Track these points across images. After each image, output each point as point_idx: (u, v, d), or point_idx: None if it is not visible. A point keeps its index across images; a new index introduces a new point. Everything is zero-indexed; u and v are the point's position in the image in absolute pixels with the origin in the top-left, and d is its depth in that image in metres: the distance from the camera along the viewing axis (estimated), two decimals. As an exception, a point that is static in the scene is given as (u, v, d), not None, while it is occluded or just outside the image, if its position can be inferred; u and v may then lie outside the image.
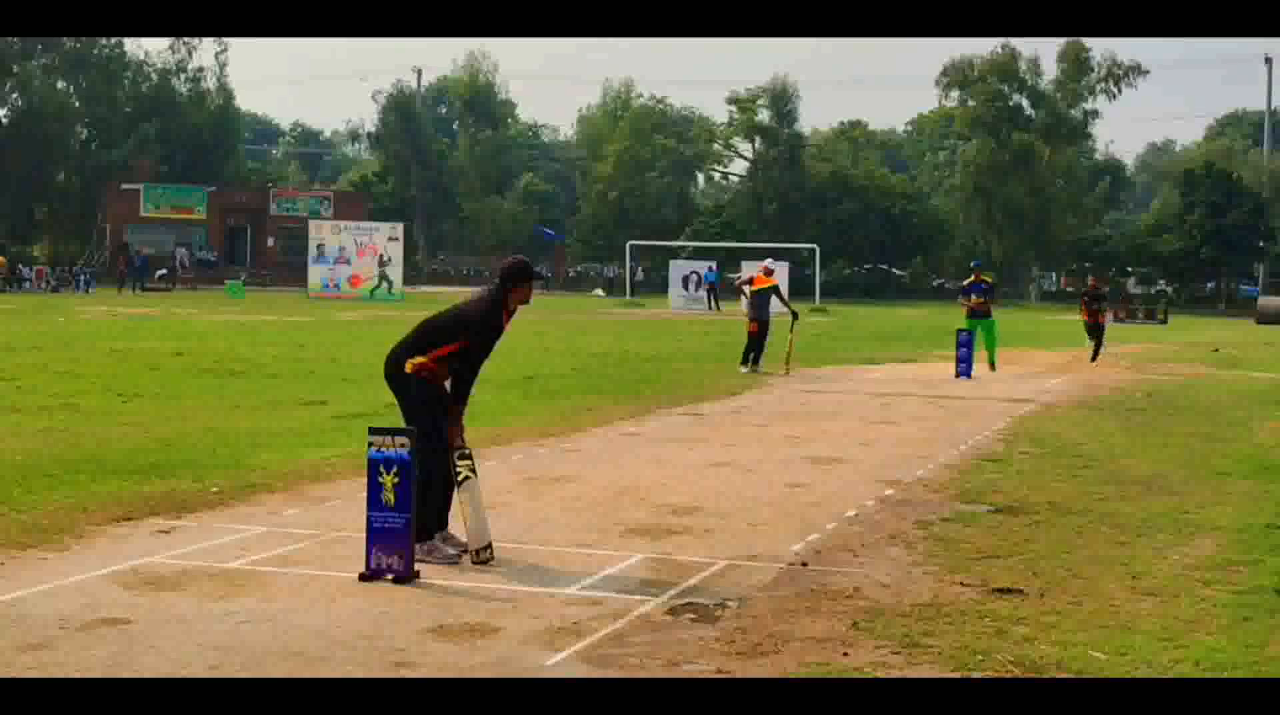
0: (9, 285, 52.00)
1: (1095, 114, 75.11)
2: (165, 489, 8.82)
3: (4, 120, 70.30)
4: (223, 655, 5.31)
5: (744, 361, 19.84)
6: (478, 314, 7.24)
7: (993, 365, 20.79)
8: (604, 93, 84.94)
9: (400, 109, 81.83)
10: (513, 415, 13.61)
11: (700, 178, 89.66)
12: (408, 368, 7.11)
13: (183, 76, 75.96)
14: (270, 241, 67.92)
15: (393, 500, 6.47)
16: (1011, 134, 72.94)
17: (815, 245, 59.46)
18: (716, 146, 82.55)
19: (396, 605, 6.13)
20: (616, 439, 12.16)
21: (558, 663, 5.33)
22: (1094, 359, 23.51)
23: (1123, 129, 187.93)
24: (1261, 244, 70.03)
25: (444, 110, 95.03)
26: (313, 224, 54.94)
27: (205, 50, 79.87)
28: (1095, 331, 24.28)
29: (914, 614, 6.08)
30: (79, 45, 69.82)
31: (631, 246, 60.55)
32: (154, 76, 75.32)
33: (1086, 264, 76.28)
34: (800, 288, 54.56)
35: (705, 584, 6.65)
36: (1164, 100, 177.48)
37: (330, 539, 7.49)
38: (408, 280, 55.62)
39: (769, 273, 21.25)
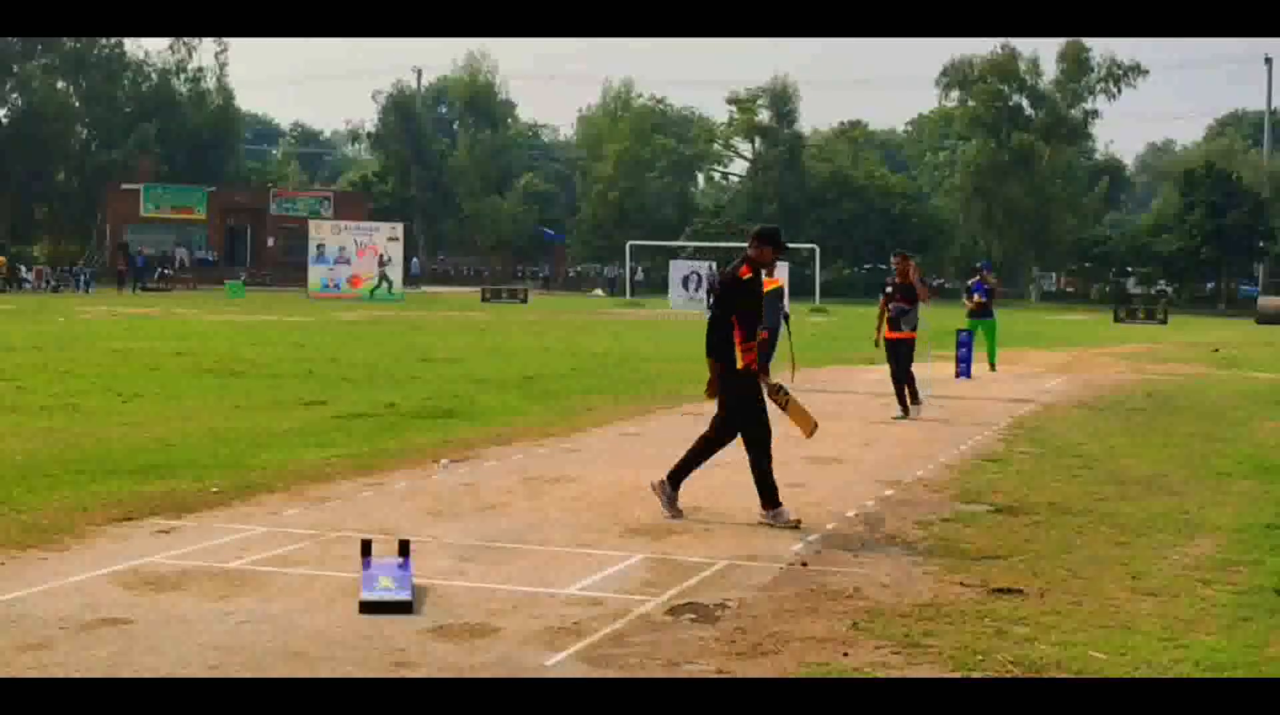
0: (9, 285, 51.98)
1: (1095, 114, 75.15)
2: (165, 489, 8.82)
3: (4, 120, 70.30)
4: (223, 655, 5.31)
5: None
6: (729, 277, 8.46)
7: (993, 366, 20.79)
8: (604, 93, 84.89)
9: (400, 109, 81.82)
10: (513, 415, 13.62)
11: (700, 178, 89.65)
12: (739, 365, 8.13)
13: (183, 76, 75.97)
14: (270, 241, 67.92)
15: (392, 587, 6.25)
16: (1011, 134, 72.93)
17: (815, 245, 59.43)
18: (716, 146, 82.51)
19: (396, 605, 6.12)
20: (616, 439, 12.16)
21: (558, 663, 5.33)
22: (916, 401, 14.58)
23: (1123, 129, 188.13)
24: (1261, 244, 70.03)
25: (444, 110, 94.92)
26: (313, 224, 54.94)
27: (205, 50, 79.90)
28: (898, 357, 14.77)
29: (914, 614, 6.08)
30: (79, 45, 69.82)
31: (631, 246, 60.51)
32: (154, 76, 75.31)
33: (1086, 264, 76.35)
34: (800, 288, 54.54)
35: (705, 584, 6.64)
36: (1164, 100, 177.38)
37: (330, 539, 7.49)
38: (407, 280, 55.58)
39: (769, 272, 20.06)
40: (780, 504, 8.19)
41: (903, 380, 14.50)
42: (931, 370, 18.18)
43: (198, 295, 51.04)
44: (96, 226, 68.11)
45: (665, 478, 8.44)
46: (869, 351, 25.47)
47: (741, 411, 8.26)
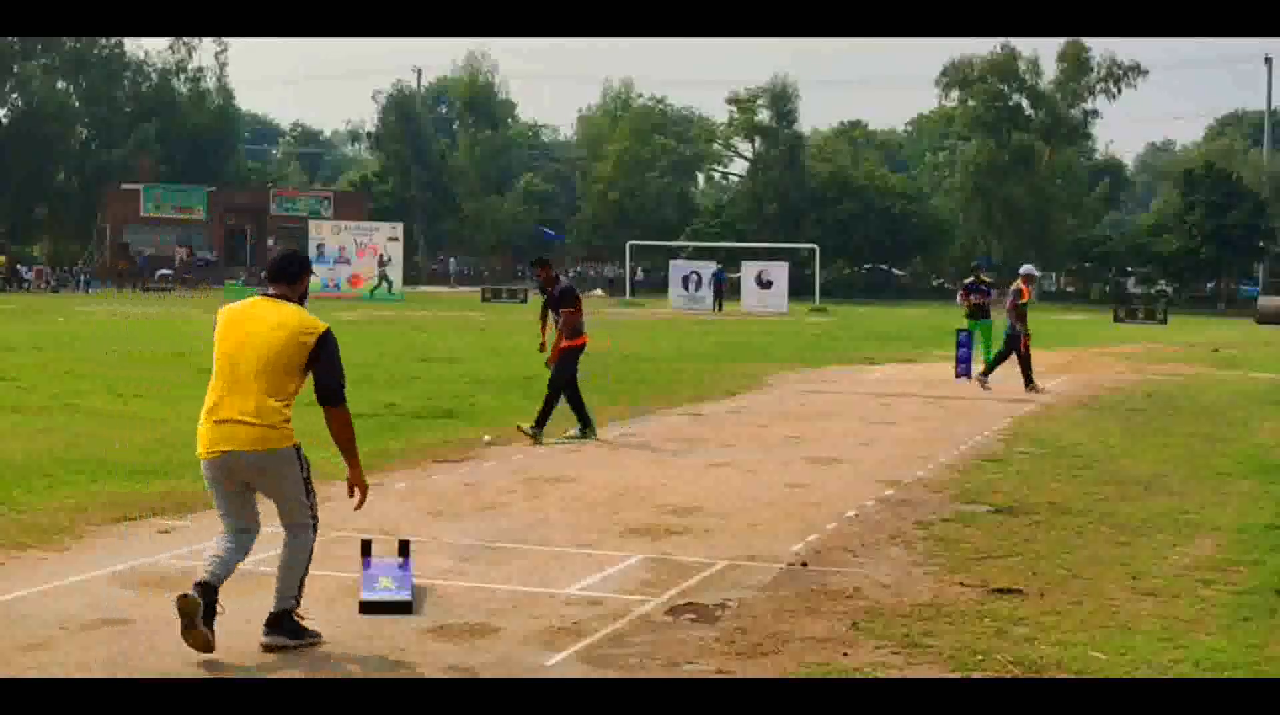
0: (9, 285, 51.97)
1: (1095, 114, 75.08)
2: (165, 489, 8.82)
3: (4, 120, 70.26)
4: (223, 655, 5.31)
5: (1029, 383, 17.73)
6: None
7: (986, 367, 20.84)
8: (604, 93, 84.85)
9: (400, 109, 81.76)
10: (513, 415, 13.61)
11: (700, 178, 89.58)
12: None
13: (183, 76, 75.93)
14: (270, 241, 67.79)
15: (392, 587, 6.26)
16: (1011, 134, 72.87)
17: (815, 245, 59.39)
18: (716, 146, 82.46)
19: (396, 605, 6.12)
20: (616, 439, 12.16)
21: (558, 663, 5.33)
22: (541, 427, 12.14)
23: (1123, 129, 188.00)
24: (1261, 244, 70.00)
25: (444, 110, 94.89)
26: (313, 224, 54.95)
27: (205, 50, 79.92)
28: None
29: (914, 614, 6.08)
30: (79, 45, 69.78)
31: (631, 246, 60.49)
32: (154, 76, 75.27)
33: (1086, 264, 76.35)
34: (800, 288, 54.55)
35: (705, 584, 6.65)
36: (1164, 100, 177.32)
37: (330, 539, 7.48)
38: (407, 280, 55.59)
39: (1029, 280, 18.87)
40: None
41: (559, 394, 12.33)
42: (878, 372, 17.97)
43: (198, 295, 51.03)
44: (96, 226, 68.10)
45: None
46: (869, 351, 25.54)
47: None
